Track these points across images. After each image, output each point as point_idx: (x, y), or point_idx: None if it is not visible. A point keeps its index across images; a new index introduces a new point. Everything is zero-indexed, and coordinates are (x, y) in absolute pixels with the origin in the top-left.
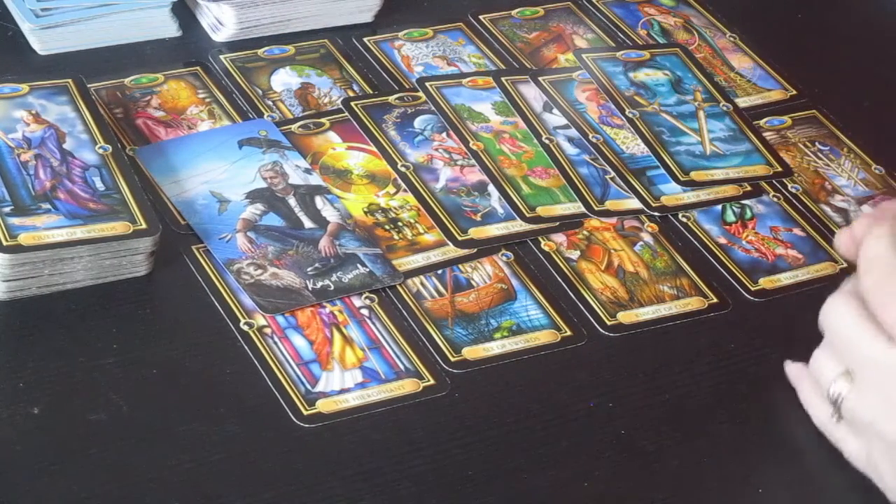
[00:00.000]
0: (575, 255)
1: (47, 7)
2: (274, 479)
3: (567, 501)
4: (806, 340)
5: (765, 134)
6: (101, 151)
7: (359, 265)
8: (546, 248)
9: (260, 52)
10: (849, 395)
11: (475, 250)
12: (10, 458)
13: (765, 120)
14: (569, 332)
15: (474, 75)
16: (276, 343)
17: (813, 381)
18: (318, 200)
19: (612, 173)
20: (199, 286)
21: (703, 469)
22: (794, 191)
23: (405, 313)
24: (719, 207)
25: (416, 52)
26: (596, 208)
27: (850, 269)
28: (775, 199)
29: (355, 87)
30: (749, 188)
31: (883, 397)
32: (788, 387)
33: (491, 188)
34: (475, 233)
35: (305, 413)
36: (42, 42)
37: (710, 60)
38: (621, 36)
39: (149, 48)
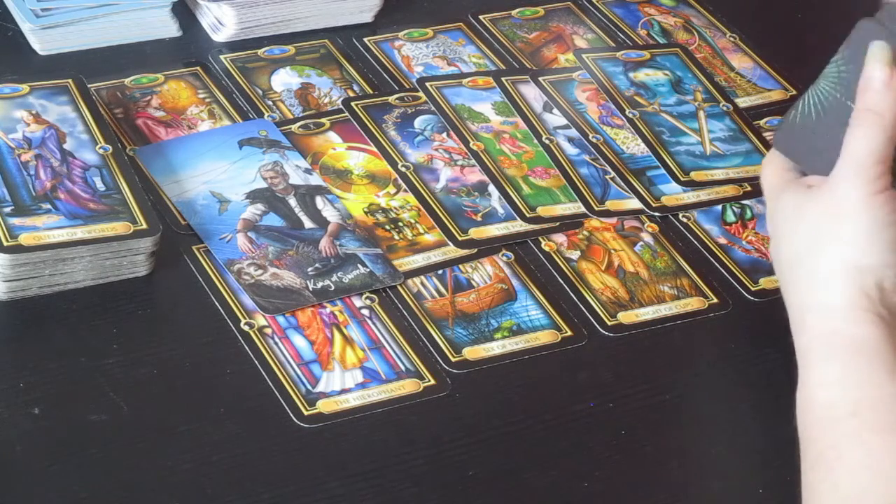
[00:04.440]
0: (575, 255)
1: (47, 7)
2: (274, 479)
3: (567, 501)
4: None
5: (765, 134)
6: (101, 152)
7: (359, 265)
8: (546, 249)
9: (260, 52)
10: None
11: (475, 250)
12: (10, 458)
13: (765, 120)
14: (569, 333)
15: (474, 75)
16: (276, 343)
17: None
18: (319, 200)
19: (613, 173)
20: (199, 286)
21: (703, 469)
22: None
23: (406, 313)
24: (719, 207)
25: (416, 52)
26: (596, 208)
27: None
28: None
29: (355, 87)
30: (749, 188)
31: None
32: (788, 386)
33: (491, 188)
34: (475, 233)
35: (306, 413)
36: (42, 42)
37: (710, 60)
38: (621, 36)
39: (149, 48)
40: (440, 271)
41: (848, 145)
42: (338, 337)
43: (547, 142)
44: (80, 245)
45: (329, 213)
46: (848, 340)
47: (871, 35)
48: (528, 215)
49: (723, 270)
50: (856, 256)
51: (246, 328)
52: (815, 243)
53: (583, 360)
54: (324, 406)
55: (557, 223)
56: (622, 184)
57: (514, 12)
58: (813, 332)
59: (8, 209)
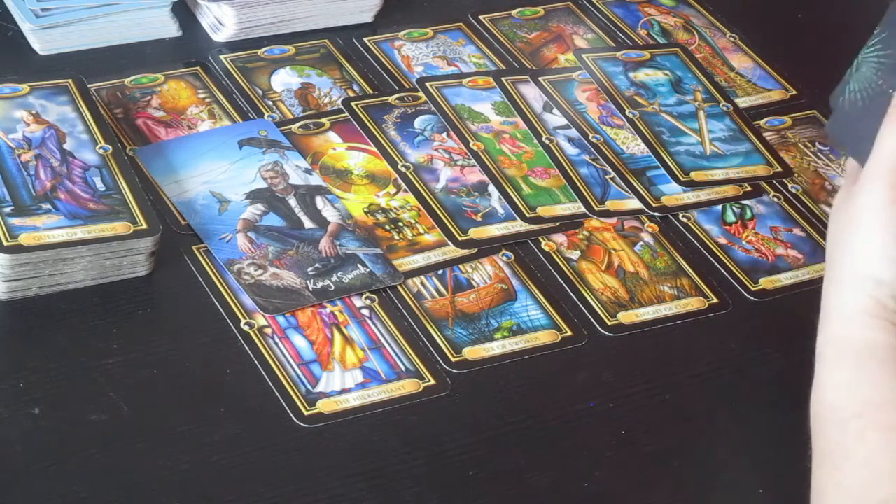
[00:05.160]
0: (575, 255)
1: (47, 7)
2: (274, 479)
3: (567, 501)
4: (806, 341)
5: (765, 134)
6: (101, 151)
7: (359, 265)
8: (546, 249)
9: (260, 52)
10: None
11: (475, 250)
12: (10, 458)
13: (765, 120)
14: (569, 333)
15: (474, 75)
16: (276, 343)
17: None
18: (319, 200)
19: (613, 173)
20: (199, 286)
21: (703, 469)
22: (794, 191)
23: (406, 313)
24: (719, 207)
25: (416, 52)
26: (596, 208)
27: None
28: (775, 199)
29: (355, 87)
30: (749, 188)
31: None
32: (788, 387)
33: (491, 188)
34: (475, 233)
35: (306, 413)
36: (42, 42)
37: (710, 60)
38: (621, 36)
39: (149, 48)
40: (440, 271)
41: (878, 145)
42: (338, 337)
43: (547, 142)
44: (80, 245)
45: (329, 213)
46: (859, 345)
47: None
48: (528, 215)
49: (723, 270)
50: (871, 267)
51: (246, 328)
52: (838, 249)
53: (583, 360)
54: (324, 406)
55: (557, 223)
56: (622, 184)
57: (514, 12)
58: (828, 335)
59: (8, 209)
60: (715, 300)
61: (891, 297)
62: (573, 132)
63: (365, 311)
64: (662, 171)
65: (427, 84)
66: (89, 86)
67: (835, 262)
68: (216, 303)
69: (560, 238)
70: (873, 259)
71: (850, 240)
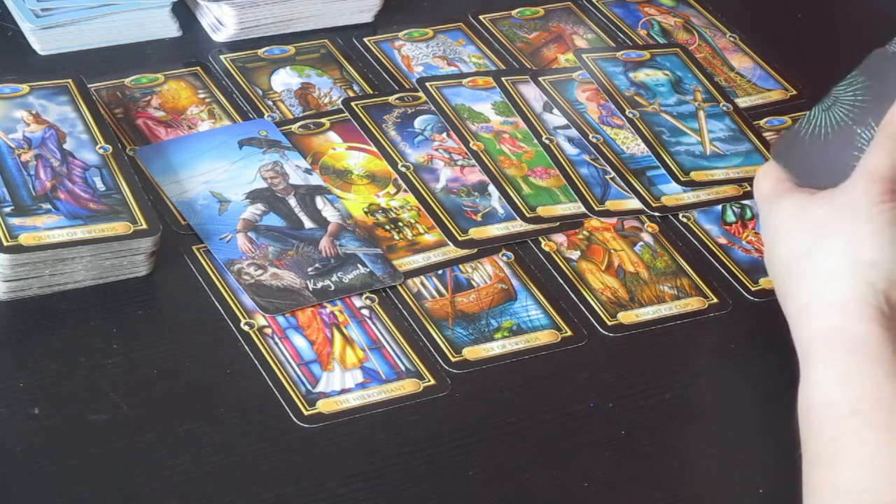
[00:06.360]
0: (575, 255)
1: (47, 7)
2: (274, 479)
3: (567, 501)
4: None
5: (765, 134)
6: (101, 151)
7: (359, 265)
8: (546, 249)
9: (260, 52)
10: None
11: (475, 250)
12: (10, 458)
13: (765, 120)
14: (569, 333)
15: (474, 75)
16: (276, 343)
17: None
18: (319, 200)
19: (613, 173)
20: (199, 286)
21: (703, 469)
22: None
23: (406, 313)
24: (719, 207)
25: (416, 52)
26: (596, 208)
27: None
28: None
29: (355, 87)
30: (749, 188)
31: None
32: (788, 386)
33: (491, 188)
34: (475, 233)
35: (306, 413)
36: (42, 42)
37: (710, 60)
38: (621, 36)
39: (149, 48)
40: (440, 271)
41: (868, 158)
42: (338, 337)
43: (547, 142)
44: (80, 245)
45: (329, 213)
46: (849, 337)
47: (887, 65)
48: (528, 215)
49: (723, 270)
50: (864, 252)
51: (246, 328)
52: (818, 242)
53: (583, 360)
54: (324, 406)
55: (557, 223)
56: (622, 184)
57: (514, 12)
58: (814, 329)
59: (8, 209)
60: (715, 300)
61: (883, 279)
62: (573, 132)
63: (365, 311)
64: (662, 171)
65: (427, 84)
66: (89, 86)
67: (806, 260)
68: (216, 303)
69: (560, 238)
70: (866, 244)
71: (834, 232)
